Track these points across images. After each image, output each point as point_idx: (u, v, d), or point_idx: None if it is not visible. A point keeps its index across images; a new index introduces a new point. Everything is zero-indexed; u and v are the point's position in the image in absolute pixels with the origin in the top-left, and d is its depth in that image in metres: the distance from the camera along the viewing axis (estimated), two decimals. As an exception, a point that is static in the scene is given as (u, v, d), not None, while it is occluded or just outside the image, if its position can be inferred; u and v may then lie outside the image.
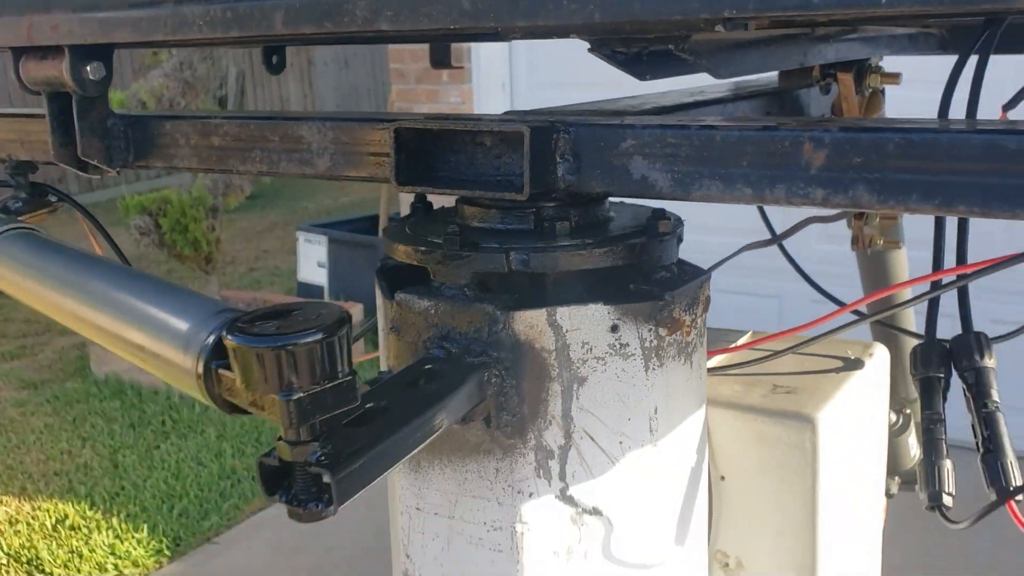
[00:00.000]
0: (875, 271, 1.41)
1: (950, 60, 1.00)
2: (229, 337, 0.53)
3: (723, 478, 0.91)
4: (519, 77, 5.53)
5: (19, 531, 4.15)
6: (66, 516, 4.25)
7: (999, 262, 0.73)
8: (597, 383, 0.71)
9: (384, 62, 17.77)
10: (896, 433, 1.65)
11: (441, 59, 1.86)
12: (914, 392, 1.65)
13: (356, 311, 5.94)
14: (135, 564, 3.94)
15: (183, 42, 0.85)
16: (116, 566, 3.92)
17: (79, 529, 4.15)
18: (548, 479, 0.72)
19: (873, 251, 1.35)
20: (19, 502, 4.41)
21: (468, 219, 0.77)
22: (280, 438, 0.56)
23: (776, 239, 1.18)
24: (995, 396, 0.78)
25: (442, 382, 0.66)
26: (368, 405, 0.60)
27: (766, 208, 1.30)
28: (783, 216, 1.22)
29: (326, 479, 0.53)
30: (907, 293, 1.27)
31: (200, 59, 5.43)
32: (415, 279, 0.77)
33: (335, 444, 0.54)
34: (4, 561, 3.95)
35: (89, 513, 4.27)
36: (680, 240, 0.77)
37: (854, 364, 1.00)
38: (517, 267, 0.69)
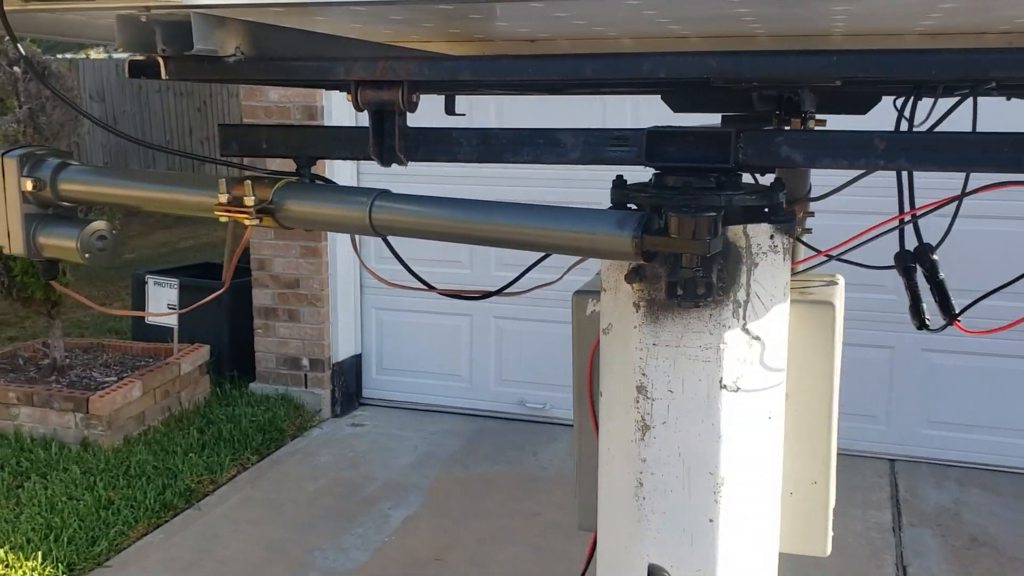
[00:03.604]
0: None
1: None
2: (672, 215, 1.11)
3: (777, 344, 1.57)
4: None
5: None
6: (-60, 556, 4.21)
7: (938, 204, 1.43)
8: (763, 266, 1.34)
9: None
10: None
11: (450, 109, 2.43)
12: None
13: (203, 351, 6.15)
14: (32, 591, 4.01)
15: (511, 83, 1.39)
16: (15, 593, 3.98)
17: (-39, 565, 4.14)
18: (738, 319, 1.33)
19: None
20: None
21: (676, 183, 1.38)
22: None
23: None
24: (942, 275, 1.48)
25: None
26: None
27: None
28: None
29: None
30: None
31: (52, 107, 5.55)
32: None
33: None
34: None
35: (-33, 550, 4.26)
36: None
37: (834, 282, 1.69)
38: (726, 203, 1.32)
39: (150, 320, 6.04)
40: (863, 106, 2.02)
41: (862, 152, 1.33)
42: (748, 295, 1.35)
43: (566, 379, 6.50)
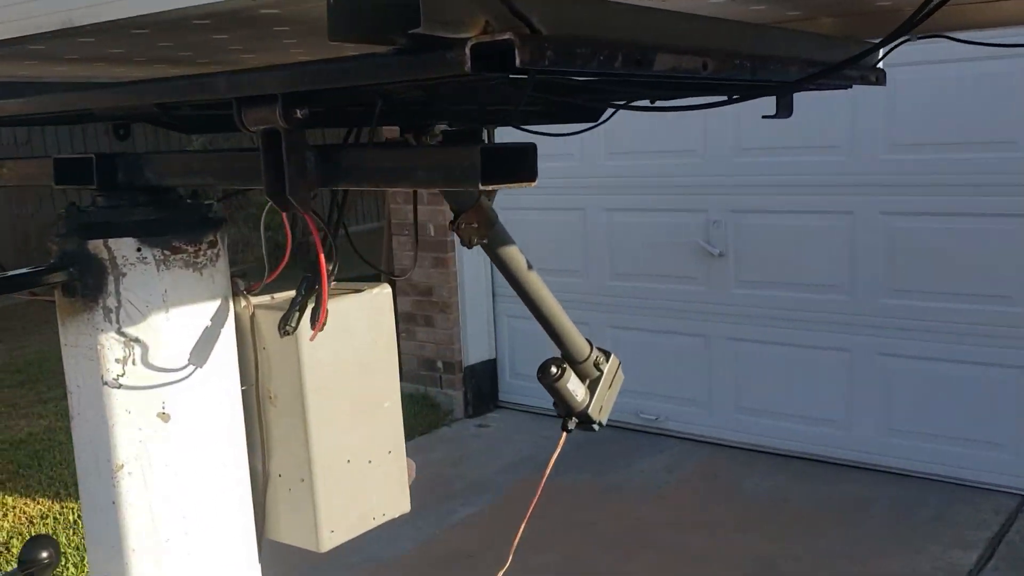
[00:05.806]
0: (498, 259, 2.13)
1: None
2: None
3: (264, 348, 1.66)
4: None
5: None
6: None
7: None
8: (132, 275, 1.48)
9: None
10: (556, 380, 2.35)
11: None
12: (580, 354, 2.36)
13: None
14: None
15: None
16: None
17: None
18: (111, 322, 1.49)
19: (482, 245, 2.06)
20: None
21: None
22: None
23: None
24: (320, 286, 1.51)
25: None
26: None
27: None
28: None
29: None
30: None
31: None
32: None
33: None
34: None
35: None
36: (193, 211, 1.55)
37: (357, 290, 1.75)
38: (95, 220, 1.49)
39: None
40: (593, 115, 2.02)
41: (171, 172, 1.46)
42: (120, 302, 1.49)
43: (681, 390, 6.43)
